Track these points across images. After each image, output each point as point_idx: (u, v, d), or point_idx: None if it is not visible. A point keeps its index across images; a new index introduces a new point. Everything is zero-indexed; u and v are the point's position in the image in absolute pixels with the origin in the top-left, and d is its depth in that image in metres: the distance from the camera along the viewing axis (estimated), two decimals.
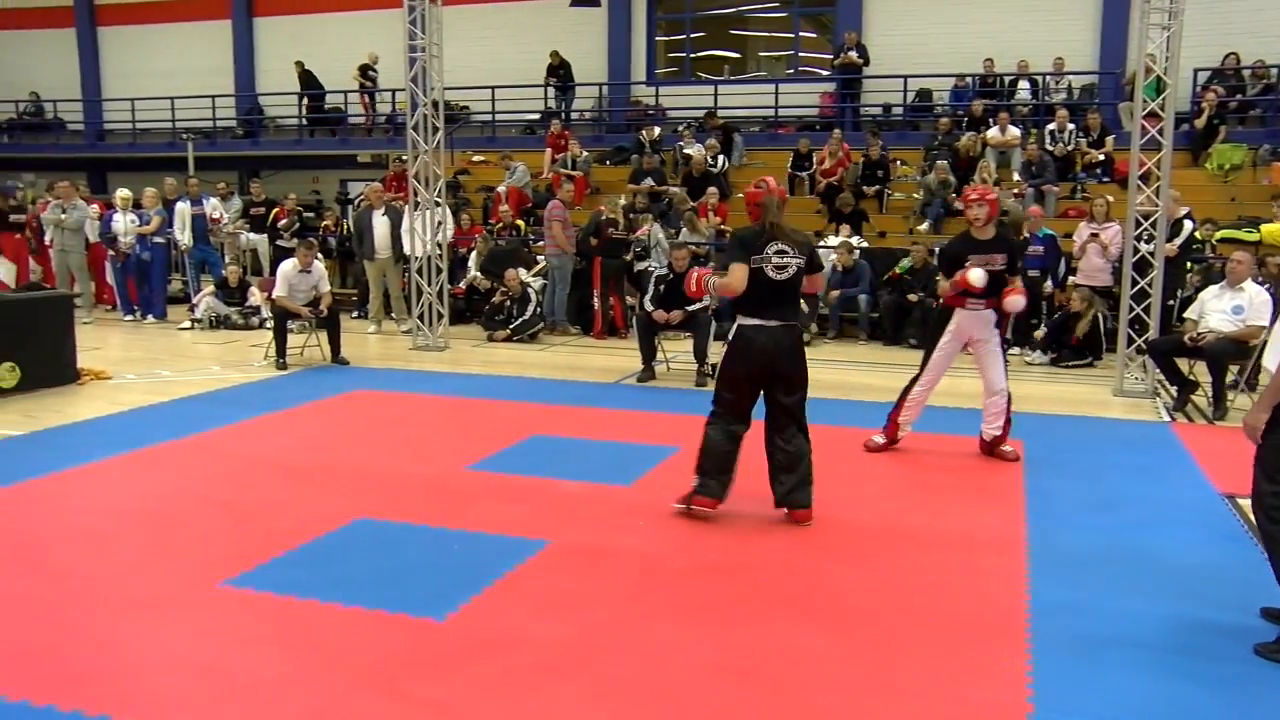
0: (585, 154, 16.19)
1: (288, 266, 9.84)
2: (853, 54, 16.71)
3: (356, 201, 14.80)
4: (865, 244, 12.89)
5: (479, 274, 12.88)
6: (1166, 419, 7.85)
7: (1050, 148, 14.02)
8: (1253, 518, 4.03)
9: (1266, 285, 8.41)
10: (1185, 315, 8.50)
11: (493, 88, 18.19)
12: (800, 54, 18.81)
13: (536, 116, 18.52)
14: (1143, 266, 8.77)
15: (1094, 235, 10.66)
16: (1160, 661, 3.62)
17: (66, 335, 8.71)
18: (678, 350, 9.92)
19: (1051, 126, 14.30)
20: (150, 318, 12.75)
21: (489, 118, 18.69)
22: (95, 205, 13.57)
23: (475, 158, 17.80)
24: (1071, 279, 11.04)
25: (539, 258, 12.77)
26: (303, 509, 5.21)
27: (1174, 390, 8.31)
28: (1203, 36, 13.58)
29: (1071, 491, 5.70)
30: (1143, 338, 8.69)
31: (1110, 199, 11.19)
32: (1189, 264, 10.55)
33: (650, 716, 3.20)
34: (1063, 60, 15.90)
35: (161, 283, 13.07)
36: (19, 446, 6.60)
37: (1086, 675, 3.49)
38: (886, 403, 8.04)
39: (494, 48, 18.91)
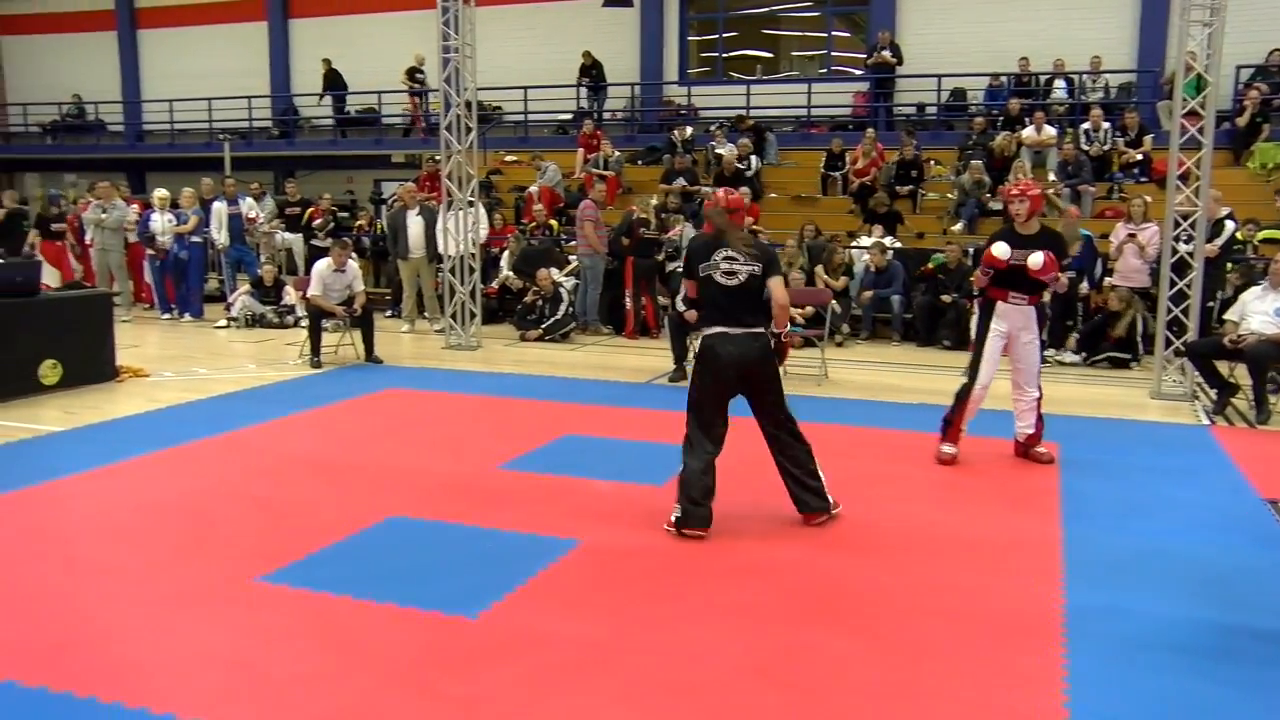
0: (617, 154, 16.21)
1: (322, 266, 9.92)
2: (886, 53, 16.60)
3: (390, 201, 14.91)
4: (898, 244, 12.81)
5: (511, 274, 12.93)
6: (1206, 422, 7.74)
7: (1085, 147, 13.86)
8: None
9: None
10: (1226, 317, 8.37)
11: (525, 88, 18.25)
12: (833, 53, 18.71)
13: (569, 116, 18.56)
14: (1181, 267, 8.65)
15: (1131, 236, 10.53)
16: (1198, 666, 3.56)
17: (106, 333, 8.85)
18: None
19: (1086, 126, 14.14)
20: (187, 316, 12.91)
21: (521, 118, 18.76)
22: (135, 205, 13.77)
23: (508, 158, 17.86)
24: (1108, 280, 10.91)
25: (571, 257, 12.80)
26: (336, 506, 5.26)
27: (1213, 393, 8.19)
28: (1245, 33, 13.35)
29: (1108, 494, 5.63)
30: (1181, 339, 8.57)
31: (1148, 199, 11.04)
32: (1229, 265, 10.39)
33: (679, 717, 3.20)
34: (1100, 59, 15.70)
35: (198, 281, 13.24)
36: (59, 442, 6.71)
37: (1122, 679, 3.45)
38: (919, 404, 8.02)
39: (526, 48, 18.97)
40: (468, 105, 10.89)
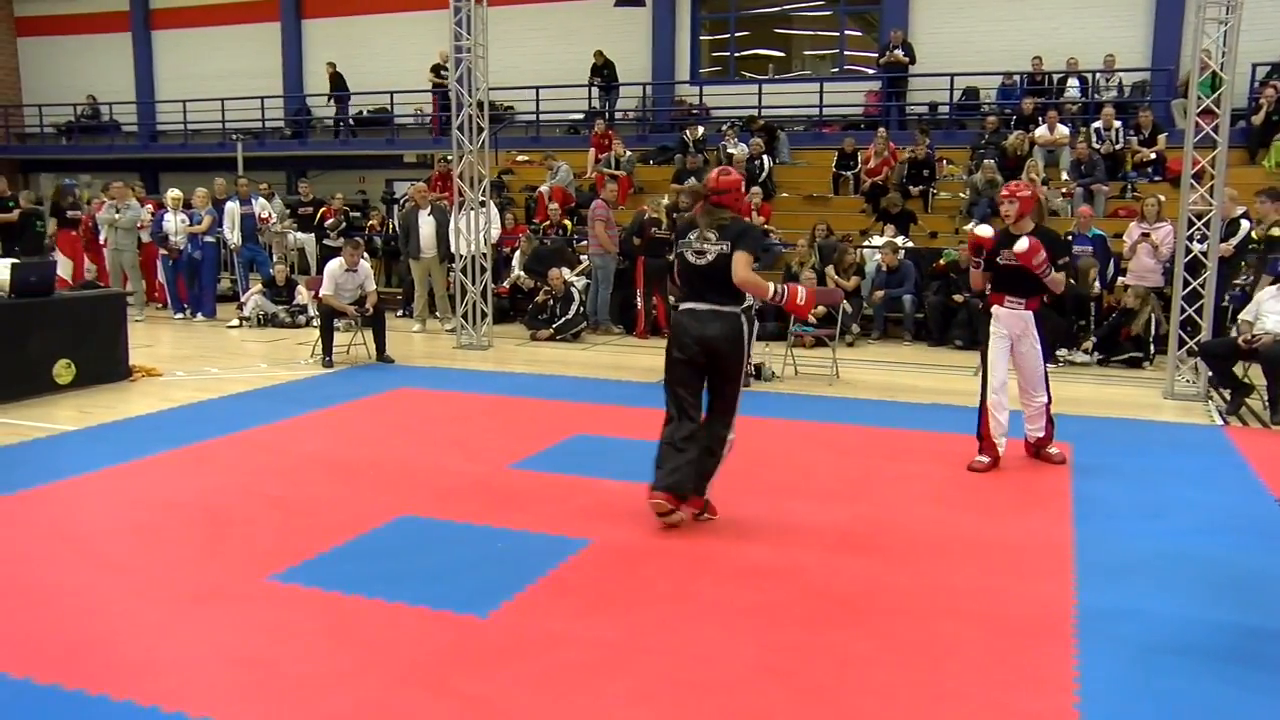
0: (629, 153, 16.20)
1: (334, 265, 9.95)
2: (898, 52, 16.55)
3: (402, 201, 14.95)
4: (911, 244, 12.77)
5: (523, 273, 12.95)
6: (1219, 423, 7.69)
7: (1097, 146, 13.80)
8: None
9: None
10: (1241, 317, 8.31)
11: (537, 88, 18.27)
12: (845, 52, 18.66)
13: (580, 116, 18.57)
14: (1195, 267, 8.60)
15: (1145, 235, 10.48)
16: (1211, 668, 3.54)
17: (119, 333, 8.89)
18: None
19: (1098, 124, 14.07)
20: (200, 316, 12.97)
21: (533, 118, 18.78)
22: (149, 205, 13.84)
23: (519, 158, 17.88)
24: (1121, 279, 10.86)
25: (582, 257, 12.81)
26: (348, 505, 5.28)
27: (1227, 393, 8.14)
28: (1262, 30, 13.28)
29: (1121, 495, 5.60)
30: (1195, 339, 8.52)
31: (1162, 198, 10.99)
32: (1242, 264, 10.33)
33: (694, 717, 3.20)
34: (1114, 57, 15.62)
35: (212, 281, 13.30)
36: (73, 441, 6.74)
37: (1136, 682, 3.43)
38: (931, 404, 8.01)
39: (538, 48, 18.99)
40: (480, 105, 10.90)
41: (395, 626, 3.81)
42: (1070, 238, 11.02)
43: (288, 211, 15.75)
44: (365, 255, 10.62)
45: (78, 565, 4.45)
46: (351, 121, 20.34)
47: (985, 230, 6.07)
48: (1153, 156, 13.71)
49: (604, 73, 18.30)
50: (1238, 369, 8.07)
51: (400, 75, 19.67)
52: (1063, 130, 14.30)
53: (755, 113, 16.77)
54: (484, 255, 11.14)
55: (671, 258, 5.13)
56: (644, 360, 10.25)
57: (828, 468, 6.21)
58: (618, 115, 18.50)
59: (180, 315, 13.09)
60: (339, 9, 21.18)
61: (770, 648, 3.67)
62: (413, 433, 7.08)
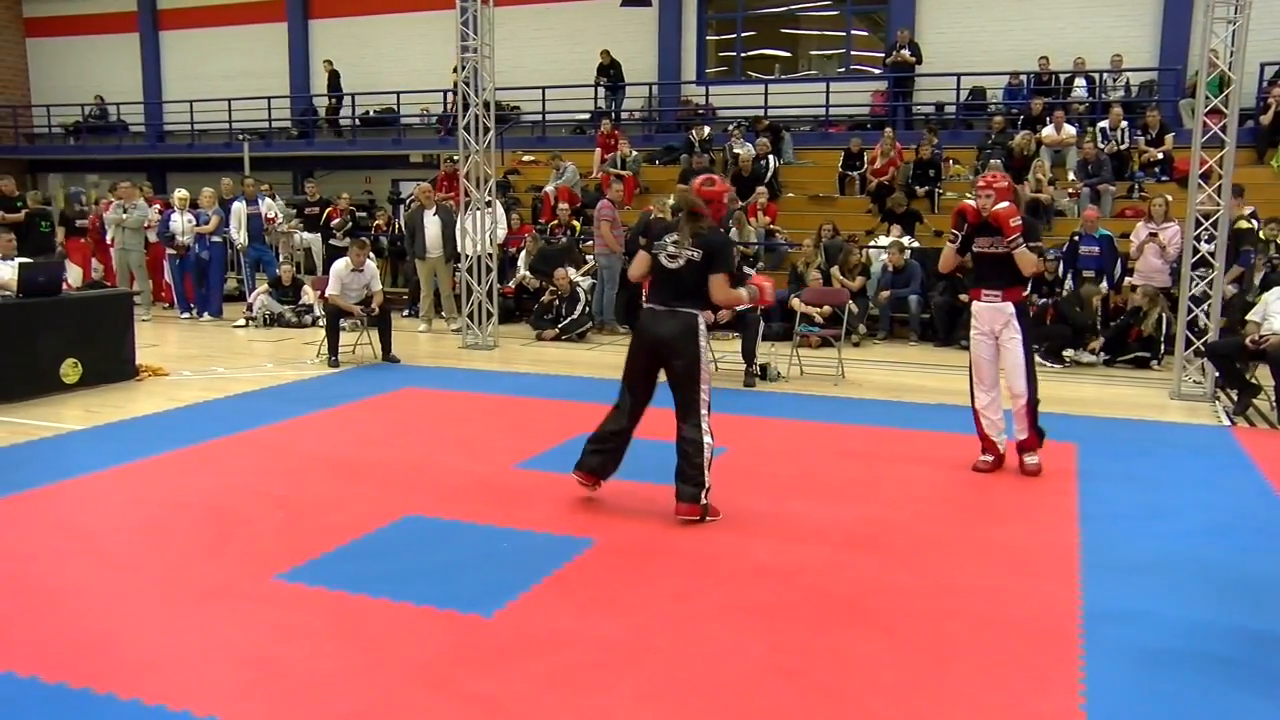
0: (635, 153, 16.21)
1: (340, 265, 9.97)
2: (905, 52, 16.53)
3: (408, 201, 14.97)
4: (917, 244, 12.76)
5: (528, 273, 12.96)
6: (1226, 423, 7.67)
7: (1103, 146, 13.77)
8: None
9: None
10: (1248, 318, 8.29)
11: (543, 88, 18.27)
12: (852, 52, 18.65)
13: (586, 116, 18.57)
14: (1201, 267, 8.57)
15: (1152, 235, 10.46)
16: (1218, 671, 3.53)
17: (126, 332, 8.92)
18: (726, 350, 9.89)
19: (1104, 124, 14.04)
20: (206, 315, 13.00)
21: (539, 118, 18.79)
22: (156, 204, 13.88)
23: (525, 158, 17.89)
24: (1128, 280, 10.84)
25: (588, 257, 12.81)
26: (354, 505, 5.28)
27: (1234, 394, 8.11)
28: (1270, 30, 13.23)
29: (1127, 496, 5.59)
30: (1202, 339, 8.50)
31: (1169, 198, 10.96)
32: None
33: (701, 717, 3.19)
34: (1121, 57, 15.59)
35: (219, 281, 13.34)
36: (79, 441, 6.76)
37: (1142, 685, 3.42)
38: (937, 404, 8.00)
39: (544, 48, 19.00)
40: (486, 105, 10.91)
41: (400, 626, 3.81)
42: (1077, 238, 11.00)
43: (293, 211, 15.77)
44: (371, 255, 10.64)
45: (84, 564, 4.46)
46: (357, 120, 20.36)
47: (974, 202, 5.95)
48: (1160, 156, 13.69)
49: (610, 73, 18.30)
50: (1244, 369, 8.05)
51: (407, 75, 19.70)
52: (1069, 130, 14.28)
53: (761, 113, 16.76)
54: (490, 255, 11.15)
55: (638, 257, 5.30)
56: None
57: (833, 468, 6.21)
58: (624, 115, 18.49)
59: (186, 315, 13.12)
60: (346, 9, 21.21)
61: (776, 648, 3.66)
62: (418, 432, 7.09)
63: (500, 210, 12.03)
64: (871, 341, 11.66)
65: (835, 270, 11.91)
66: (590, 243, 12.83)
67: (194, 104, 21.08)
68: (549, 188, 15.31)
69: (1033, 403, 5.94)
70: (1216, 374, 8.25)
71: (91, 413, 7.57)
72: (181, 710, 3.17)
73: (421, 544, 4.75)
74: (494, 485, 5.70)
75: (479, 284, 11.02)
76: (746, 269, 9.53)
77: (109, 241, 13.30)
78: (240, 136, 19.48)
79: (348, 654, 3.59)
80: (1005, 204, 5.76)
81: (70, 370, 8.27)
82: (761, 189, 13.88)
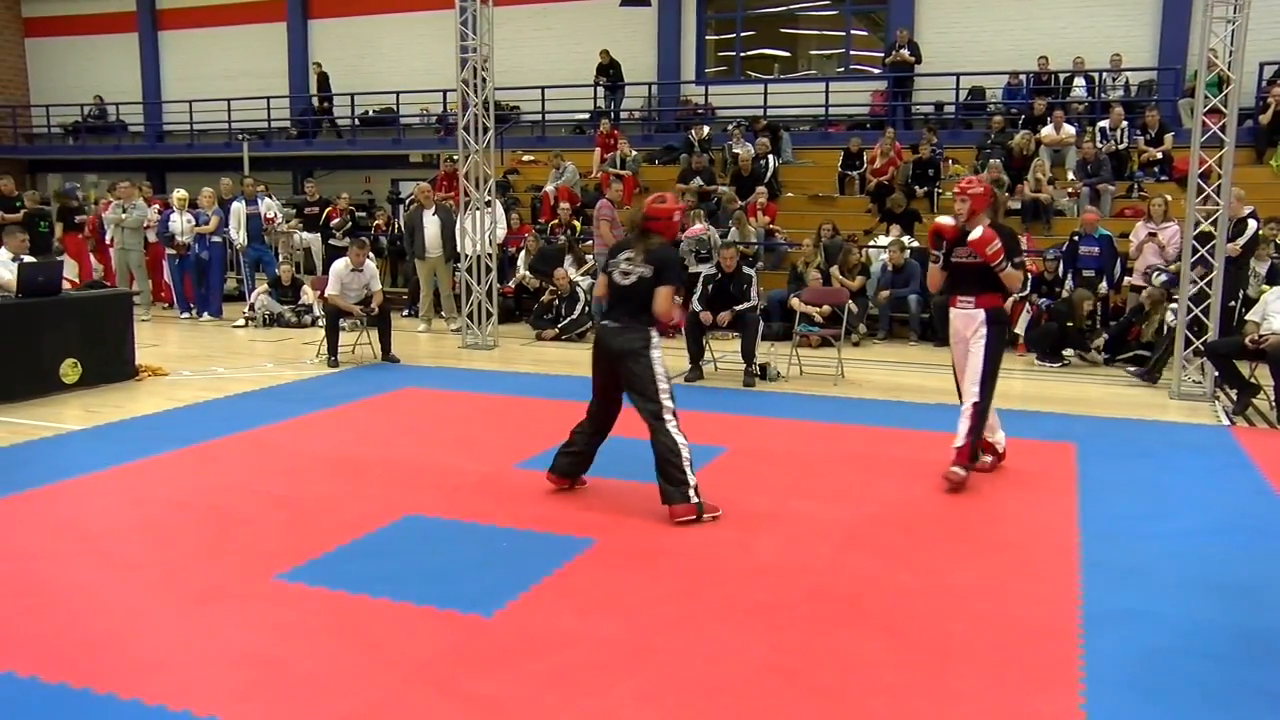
0: (634, 153, 16.20)
1: (340, 265, 9.97)
2: (905, 52, 16.53)
3: (407, 201, 14.97)
4: (916, 244, 12.75)
5: (528, 273, 12.96)
6: (1226, 423, 7.67)
7: (1102, 145, 13.77)
8: None
9: None
10: (1248, 317, 8.29)
11: (543, 88, 18.27)
12: (851, 52, 18.66)
13: (586, 116, 18.58)
14: (1201, 267, 8.57)
15: (1151, 235, 10.45)
16: (1219, 671, 3.53)
17: (126, 332, 8.91)
18: (726, 350, 9.90)
19: (1104, 124, 14.04)
20: (206, 315, 13.00)
21: (539, 117, 18.79)
22: (155, 204, 13.87)
23: (525, 157, 17.89)
24: (1128, 279, 10.83)
25: (588, 256, 12.81)
26: (354, 505, 5.28)
27: (1233, 393, 8.12)
28: (1269, 29, 13.24)
29: (1127, 496, 5.59)
30: (1201, 339, 8.50)
31: (1169, 198, 10.96)
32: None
33: (702, 717, 3.19)
34: (1120, 56, 15.59)
35: (219, 281, 13.33)
36: (79, 441, 6.76)
37: (1142, 686, 3.42)
38: (936, 404, 8.00)
39: (544, 48, 19.00)
40: (485, 105, 10.91)
41: (401, 626, 3.81)
42: (1076, 239, 11.01)
43: (293, 211, 15.77)
44: (370, 255, 10.63)
45: (84, 564, 4.46)
46: (356, 120, 20.36)
47: (947, 220, 5.88)
48: (1159, 156, 13.69)
49: (610, 72, 18.30)
50: (1244, 369, 8.04)
51: (406, 75, 19.70)
52: (1069, 130, 14.28)
53: (761, 112, 16.76)
54: (489, 255, 11.15)
55: (600, 279, 5.45)
56: None
57: (833, 468, 6.21)
58: (623, 115, 18.50)
59: (186, 315, 13.12)
60: (345, 9, 21.21)
61: (777, 647, 3.66)
62: (418, 432, 7.09)
63: (500, 210, 12.03)
64: (871, 341, 11.66)
65: (835, 270, 11.91)
66: (590, 242, 12.83)
67: (193, 104, 21.07)
68: (549, 187, 15.31)
69: (981, 411, 5.73)
70: (1216, 373, 8.26)
71: (91, 413, 7.57)
72: (182, 710, 3.17)
73: (422, 544, 4.75)
74: (494, 485, 5.70)
75: (479, 284, 11.02)
76: (746, 269, 9.52)
77: (108, 241, 13.30)
78: (240, 136, 19.47)
79: (348, 654, 3.58)
80: (979, 231, 5.64)
81: (70, 370, 8.26)
82: (761, 189, 13.88)
